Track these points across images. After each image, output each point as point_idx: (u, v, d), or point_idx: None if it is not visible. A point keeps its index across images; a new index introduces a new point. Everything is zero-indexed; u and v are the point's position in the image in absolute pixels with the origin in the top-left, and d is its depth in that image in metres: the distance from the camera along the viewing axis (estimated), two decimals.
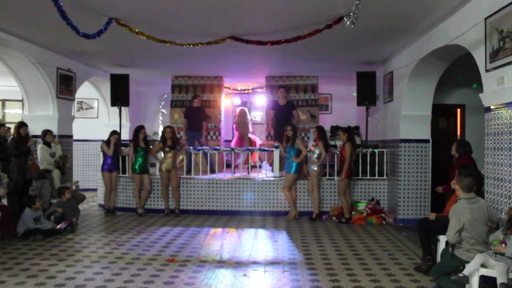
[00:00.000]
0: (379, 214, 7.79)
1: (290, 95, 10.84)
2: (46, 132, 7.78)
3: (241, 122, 11.17)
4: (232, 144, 10.93)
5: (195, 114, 9.90)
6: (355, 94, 8.91)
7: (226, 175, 8.82)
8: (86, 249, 5.78)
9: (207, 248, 5.93)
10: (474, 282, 3.76)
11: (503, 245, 3.68)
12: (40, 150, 7.73)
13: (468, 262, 3.87)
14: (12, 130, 7.46)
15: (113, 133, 8.42)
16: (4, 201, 6.28)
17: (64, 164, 7.80)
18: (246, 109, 11.69)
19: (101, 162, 8.50)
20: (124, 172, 8.75)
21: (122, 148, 8.72)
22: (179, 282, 4.46)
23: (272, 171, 9.01)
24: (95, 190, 9.99)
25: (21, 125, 7.16)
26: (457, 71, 7.69)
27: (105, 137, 8.55)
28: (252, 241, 6.40)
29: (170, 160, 8.21)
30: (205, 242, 6.25)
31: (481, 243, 3.89)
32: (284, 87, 10.35)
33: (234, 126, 11.49)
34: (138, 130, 8.40)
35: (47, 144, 7.78)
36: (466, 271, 3.78)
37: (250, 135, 11.27)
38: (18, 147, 6.89)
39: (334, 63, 9.11)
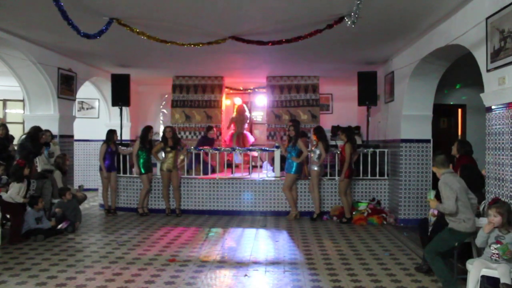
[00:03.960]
0: (380, 214, 7.78)
1: (291, 94, 10.82)
2: (45, 133, 7.78)
3: (239, 118, 11.05)
4: (226, 140, 10.86)
5: (206, 144, 9.75)
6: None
7: (227, 175, 8.82)
8: (87, 249, 5.79)
9: (208, 248, 5.93)
10: (476, 282, 3.75)
11: (498, 245, 3.71)
12: None
13: (466, 233, 4.06)
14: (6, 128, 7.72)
15: (112, 132, 8.43)
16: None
17: (63, 163, 7.75)
18: (245, 106, 11.61)
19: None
20: (125, 172, 8.75)
21: (123, 148, 8.71)
22: (180, 282, 4.47)
23: (273, 171, 9.01)
24: (96, 190, 10.00)
25: (39, 129, 7.44)
26: (458, 71, 7.68)
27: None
28: (253, 241, 6.40)
29: (171, 160, 8.21)
30: (206, 242, 6.25)
31: (471, 210, 4.15)
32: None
33: (231, 121, 11.23)
34: (149, 131, 8.42)
35: (45, 144, 7.78)
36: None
37: (244, 132, 11.08)
38: (35, 145, 7.22)
39: (335, 63, 9.10)
